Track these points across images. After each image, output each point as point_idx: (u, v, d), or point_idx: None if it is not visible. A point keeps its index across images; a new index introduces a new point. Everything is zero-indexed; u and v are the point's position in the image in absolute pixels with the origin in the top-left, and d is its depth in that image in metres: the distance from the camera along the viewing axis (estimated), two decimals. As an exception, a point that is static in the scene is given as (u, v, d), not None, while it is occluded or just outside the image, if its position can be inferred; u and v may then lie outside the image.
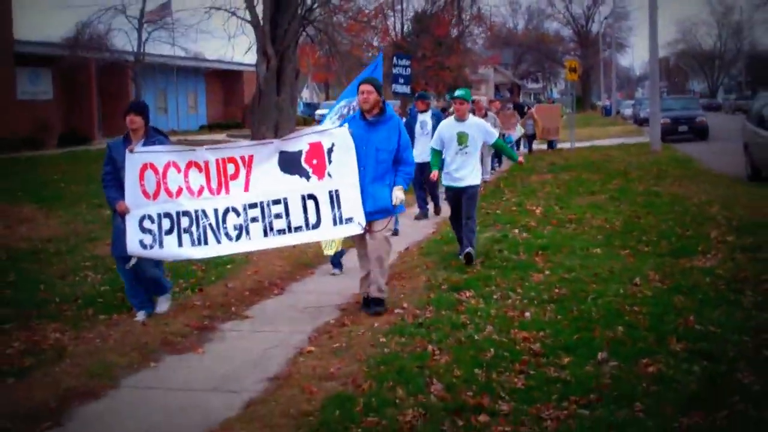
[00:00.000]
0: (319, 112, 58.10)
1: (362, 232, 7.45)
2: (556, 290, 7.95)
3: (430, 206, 14.50)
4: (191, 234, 7.49)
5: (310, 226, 7.35)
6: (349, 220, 7.31)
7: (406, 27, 47.78)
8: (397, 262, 10.11)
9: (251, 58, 29.17)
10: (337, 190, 7.32)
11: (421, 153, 12.61)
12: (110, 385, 5.87)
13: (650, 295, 7.62)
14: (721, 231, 10.67)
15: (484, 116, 17.69)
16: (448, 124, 9.83)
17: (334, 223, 7.34)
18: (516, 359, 5.92)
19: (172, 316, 7.65)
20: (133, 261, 7.54)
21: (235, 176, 7.47)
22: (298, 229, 7.38)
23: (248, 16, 26.90)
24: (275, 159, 7.47)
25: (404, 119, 14.85)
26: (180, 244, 7.51)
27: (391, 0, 45.39)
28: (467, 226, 9.55)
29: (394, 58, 18.60)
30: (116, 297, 8.42)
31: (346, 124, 7.65)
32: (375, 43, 44.40)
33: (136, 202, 7.49)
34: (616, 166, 21.03)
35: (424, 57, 42.95)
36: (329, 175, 7.34)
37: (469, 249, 9.39)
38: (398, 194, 7.60)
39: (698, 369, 5.55)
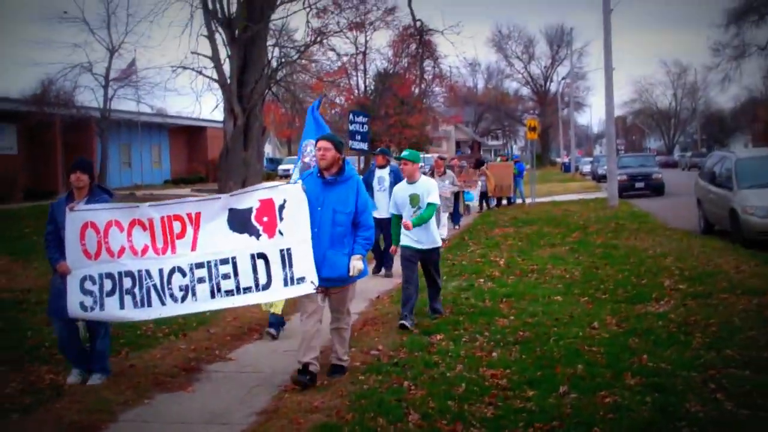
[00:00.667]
0: (282, 167, 59.02)
1: (314, 291, 6.95)
2: (521, 333, 8.51)
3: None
4: (134, 295, 7.12)
5: (260, 287, 6.92)
6: (301, 279, 6.85)
7: (369, 86, 48.94)
8: (370, 309, 10.63)
9: (217, 114, 29.85)
10: (288, 249, 6.87)
11: (378, 209, 12.88)
12: (110, 419, 6.32)
13: (607, 336, 8.22)
14: (674, 280, 11.33)
15: (443, 173, 18.53)
16: (401, 187, 9.66)
17: (285, 284, 6.88)
18: (485, 393, 6.46)
19: (160, 358, 8.09)
20: (81, 325, 7.36)
21: (181, 235, 7.10)
22: (247, 290, 6.94)
23: (215, 75, 27.48)
24: (224, 217, 7.05)
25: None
26: (122, 306, 7.14)
27: (354, 60, 46.55)
28: (433, 287, 9.84)
29: (351, 115, 17.93)
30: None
31: (300, 180, 7.24)
32: (338, 102, 45.40)
33: (77, 263, 7.20)
34: (575, 220, 21.81)
35: (386, 115, 43.98)
36: (280, 233, 6.90)
37: (436, 307, 9.78)
38: (356, 264, 7.12)
39: (650, 400, 6.12)
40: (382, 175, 13.70)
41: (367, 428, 5.70)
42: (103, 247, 7.15)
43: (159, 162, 51.69)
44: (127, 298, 7.12)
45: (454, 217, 21.31)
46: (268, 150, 73.50)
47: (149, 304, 7.09)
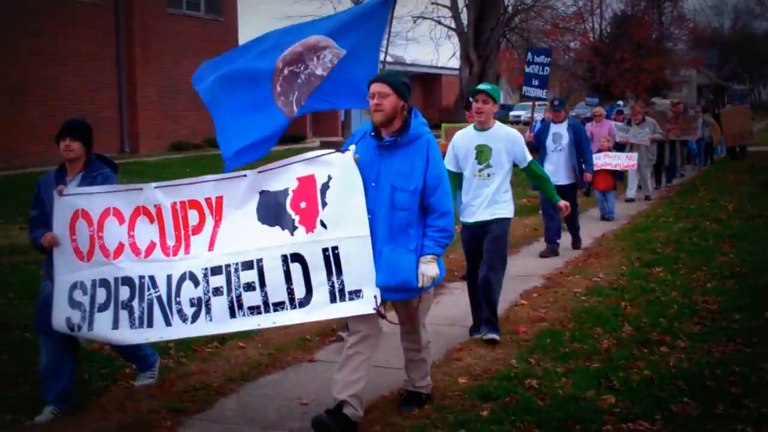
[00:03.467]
0: (513, 113, 59.45)
1: (375, 312, 4.84)
2: (737, 269, 9.10)
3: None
4: (131, 310, 5.34)
5: (296, 302, 4.95)
6: (356, 294, 4.87)
7: (604, 29, 48.35)
8: (594, 245, 11.45)
9: (453, 62, 31.26)
10: (335, 248, 4.88)
11: (554, 173, 10.24)
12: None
13: (827, 276, 8.64)
14: None
15: (642, 121, 16.06)
16: (464, 134, 6.93)
17: (333, 299, 4.90)
18: (695, 314, 7.28)
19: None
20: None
21: (198, 229, 5.27)
22: (278, 306, 4.98)
23: (453, 24, 28.74)
24: (253, 203, 5.15)
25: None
26: (115, 324, 5.38)
27: (590, 3, 46.12)
28: (485, 285, 6.69)
29: (529, 54, 14.67)
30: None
31: (352, 147, 4.97)
32: (573, 46, 45.26)
33: (66, 266, 5.48)
34: (820, 169, 21.15)
35: (622, 59, 43.43)
36: (322, 224, 4.90)
37: (491, 336, 6.63)
38: (426, 270, 4.89)
39: None
40: (559, 131, 11.18)
41: (586, 335, 6.71)
42: (97, 244, 5.42)
43: (396, 108, 53.90)
44: (123, 314, 5.37)
45: (669, 173, 19.05)
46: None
47: (149, 324, 5.32)
